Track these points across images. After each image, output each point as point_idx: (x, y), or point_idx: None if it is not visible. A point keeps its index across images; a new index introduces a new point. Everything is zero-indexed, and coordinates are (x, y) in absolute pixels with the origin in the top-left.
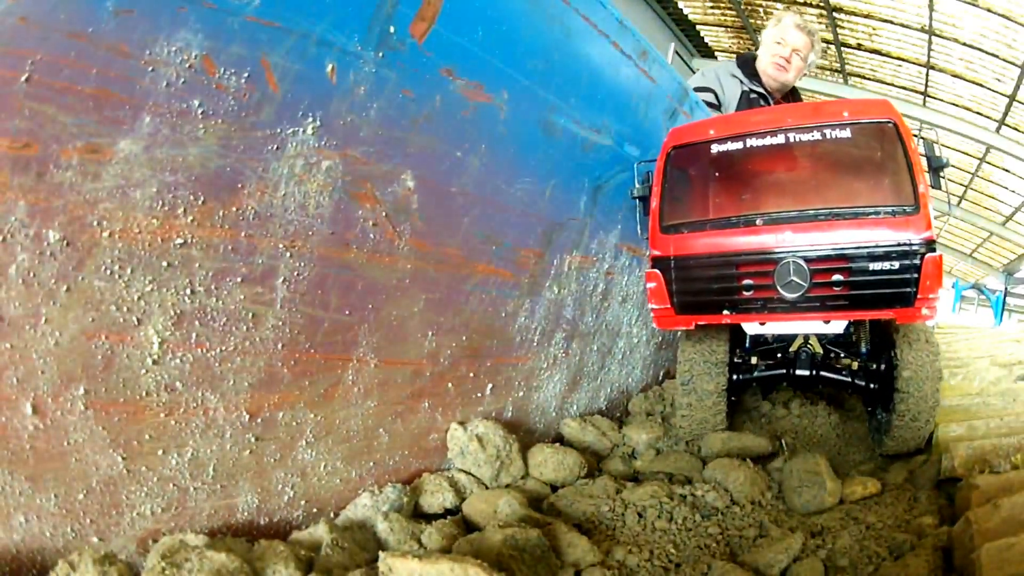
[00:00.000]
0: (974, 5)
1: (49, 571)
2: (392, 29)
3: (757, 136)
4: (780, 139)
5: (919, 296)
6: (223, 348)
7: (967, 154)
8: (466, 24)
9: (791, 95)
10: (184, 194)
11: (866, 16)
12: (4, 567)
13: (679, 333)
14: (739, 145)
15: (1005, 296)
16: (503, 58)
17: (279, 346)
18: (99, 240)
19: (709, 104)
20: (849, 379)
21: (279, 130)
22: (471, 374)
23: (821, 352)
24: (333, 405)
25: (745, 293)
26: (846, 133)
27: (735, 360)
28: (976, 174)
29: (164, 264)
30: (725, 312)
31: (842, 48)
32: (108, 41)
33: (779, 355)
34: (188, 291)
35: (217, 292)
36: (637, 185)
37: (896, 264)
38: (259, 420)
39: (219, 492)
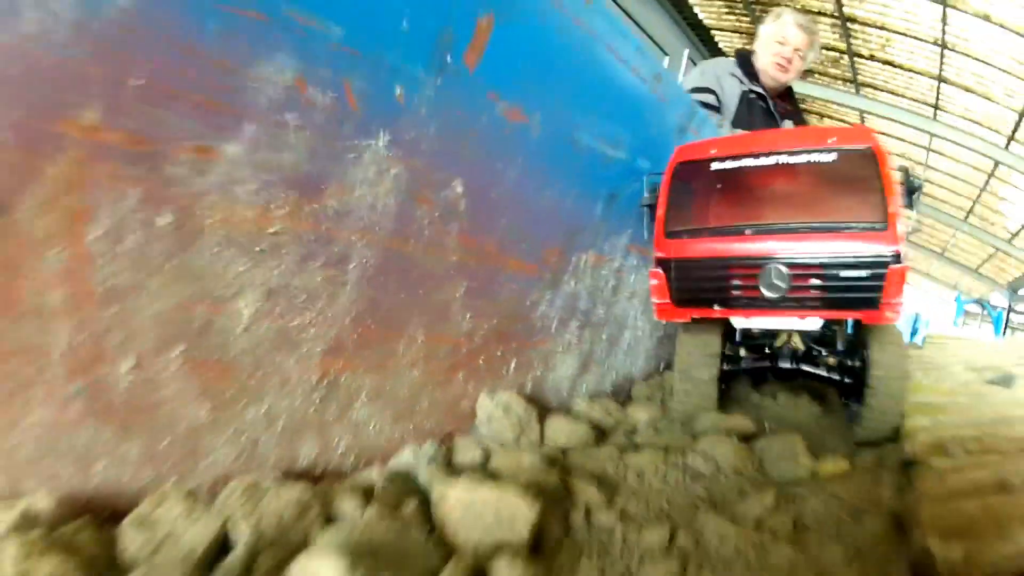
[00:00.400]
0: (987, 20)
1: (123, 516)
2: (449, 58)
3: (752, 157)
4: (772, 160)
5: (883, 301)
6: (301, 320)
7: (976, 168)
8: (508, 54)
9: (787, 93)
10: (278, 191)
11: (880, 27)
12: (77, 511)
13: (678, 328)
14: (736, 164)
15: (1008, 312)
16: (538, 83)
17: (347, 320)
18: (204, 226)
19: (707, 105)
20: (826, 373)
21: (357, 142)
22: (499, 352)
23: (803, 348)
24: (386, 373)
25: (734, 292)
26: (830, 157)
27: (726, 352)
28: (984, 189)
29: (258, 249)
30: (715, 307)
31: (855, 58)
32: (214, 57)
33: (765, 349)
34: (277, 271)
35: (300, 274)
36: (646, 195)
37: (864, 272)
38: (325, 382)
39: (285, 443)
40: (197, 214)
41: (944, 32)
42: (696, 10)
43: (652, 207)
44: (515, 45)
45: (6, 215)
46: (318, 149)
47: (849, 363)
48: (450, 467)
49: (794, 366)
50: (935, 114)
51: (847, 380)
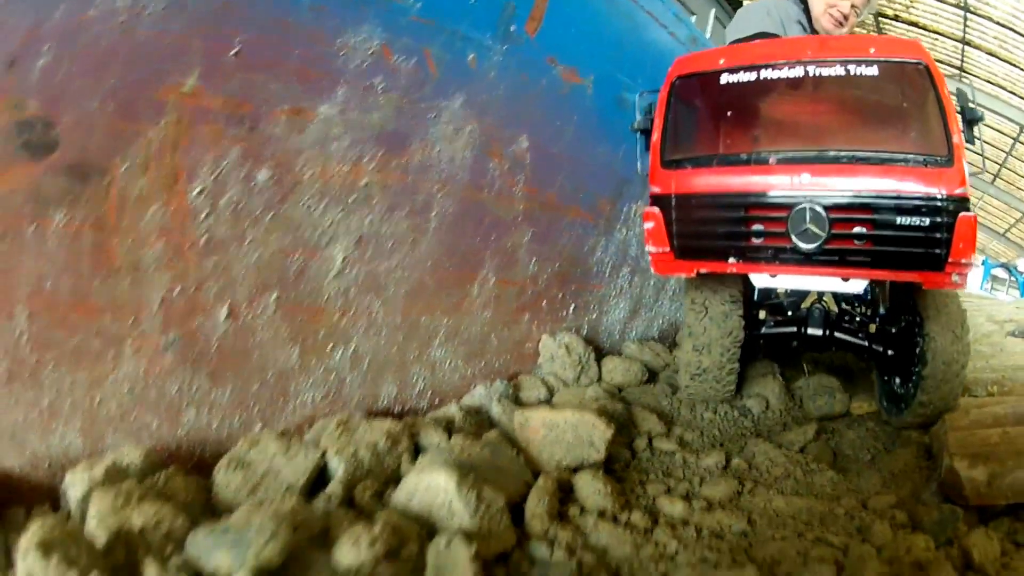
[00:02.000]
0: None
1: (208, 463)
2: (513, 27)
3: (773, 68)
4: (799, 72)
5: (950, 260)
6: (388, 264)
7: (1002, 132)
8: (564, 22)
9: None
10: (368, 147)
11: None
12: (164, 461)
13: (684, 285)
14: (752, 76)
15: None
16: (590, 48)
17: (428, 264)
18: (302, 180)
19: None
20: (866, 343)
21: (436, 103)
22: (560, 295)
23: (836, 311)
24: (460, 314)
25: (754, 240)
26: (872, 71)
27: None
28: (1011, 153)
29: (350, 199)
30: (731, 260)
31: (879, 18)
32: (306, 29)
33: (789, 312)
34: (368, 220)
35: (388, 221)
36: (639, 117)
37: (926, 220)
38: (407, 323)
39: (368, 382)
40: (295, 169)
41: None
42: None
43: (647, 132)
44: (569, 13)
45: (104, 177)
46: (403, 109)
47: (894, 331)
48: (518, 403)
49: (826, 333)
50: (960, 76)
51: (890, 352)
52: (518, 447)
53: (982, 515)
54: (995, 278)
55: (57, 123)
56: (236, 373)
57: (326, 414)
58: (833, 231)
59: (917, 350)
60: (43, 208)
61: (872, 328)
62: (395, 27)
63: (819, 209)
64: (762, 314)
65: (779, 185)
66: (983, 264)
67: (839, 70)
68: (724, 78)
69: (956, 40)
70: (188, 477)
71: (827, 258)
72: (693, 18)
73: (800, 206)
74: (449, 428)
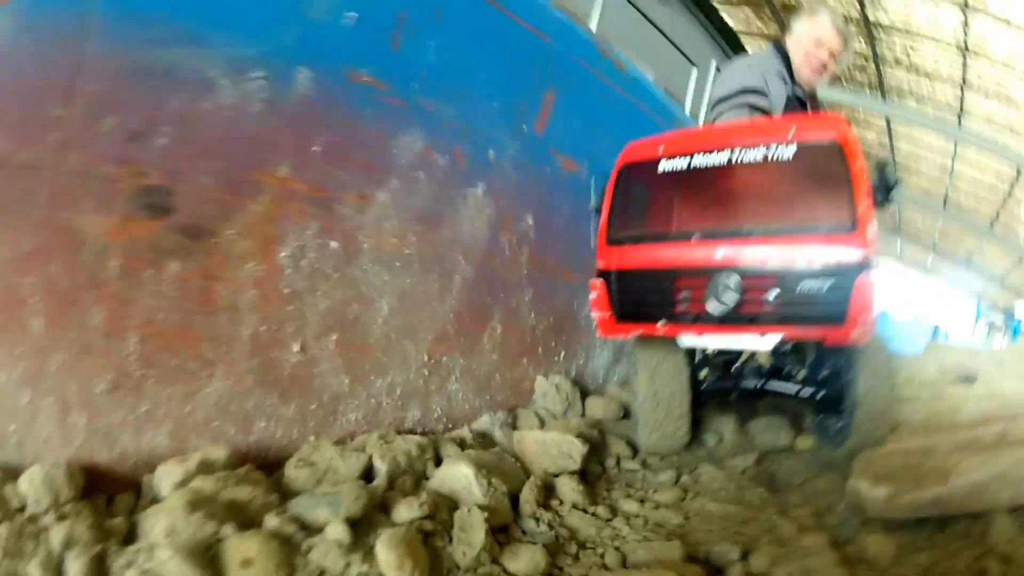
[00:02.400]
0: (1007, 24)
1: (271, 466)
2: (524, 127)
3: (703, 155)
4: (724, 158)
5: (849, 317)
6: (421, 315)
7: (1000, 176)
8: (564, 118)
9: (813, 97)
10: (411, 225)
11: (904, 31)
12: (239, 460)
13: (634, 345)
14: (684, 164)
15: None
16: (585, 138)
17: (451, 315)
18: (362, 248)
19: (757, 108)
20: (796, 389)
21: (463, 190)
22: (553, 343)
23: (768, 365)
24: (473, 355)
25: (680, 306)
26: (789, 152)
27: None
28: (1009, 196)
29: (396, 264)
30: (661, 323)
31: (880, 63)
32: (370, 132)
33: (727, 368)
34: (408, 280)
35: (423, 282)
36: (593, 198)
37: (826, 283)
38: (432, 362)
39: (399, 407)
40: (357, 240)
41: (966, 36)
42: (724, 16)
43: (599, 211)
44: (570, 110)
45: (212, 237)
46: (438, 196)
47: (821, 377)
48: (515, 429)
49: (761, 386)
50: (960, 120)
51: (819, 396)
52: (516, 457)
53: (887, 525)
54: (992, 325)
55: (175, 192)
56: (300, 394)
57: (364, 431)
58: (746, 296)
59: (846, 392)
60: (160, 257)
61: (802, 374)
62: (434, 130)
63: (733, 277)
64: (703, 373)
65: (699, 258)
66: (976, 308)
67: (759, 154)
68: (661, 166)
69: (955, 84)
70: (260, 471)
71: (741, 319)
72: (694, 72)
73: (716, 275)
74: (462, 445)
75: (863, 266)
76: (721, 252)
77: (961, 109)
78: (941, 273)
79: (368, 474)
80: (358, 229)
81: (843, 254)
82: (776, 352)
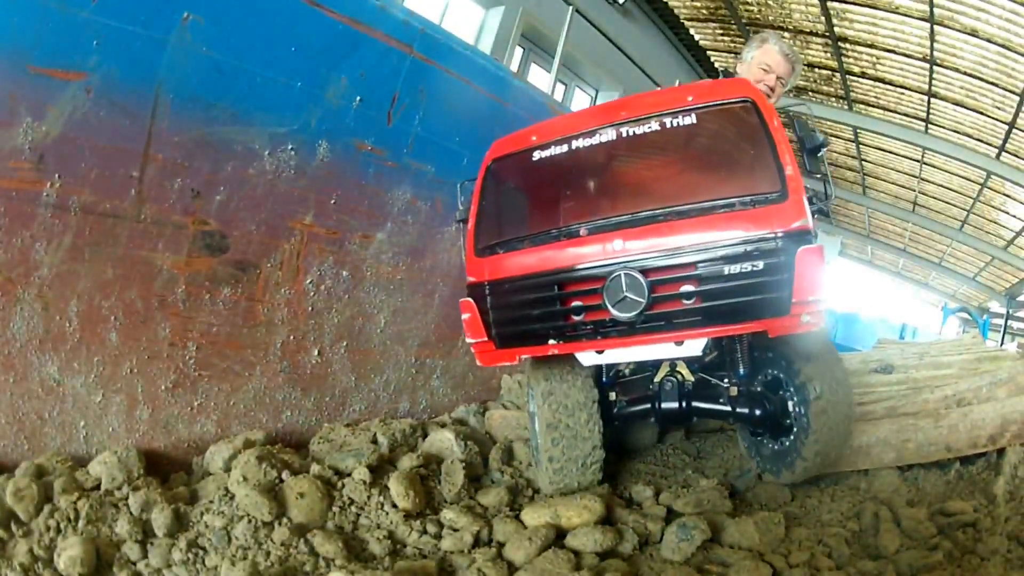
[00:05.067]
0: (974, 35)
1: (296, 446)
2: None
3: (585, 136)
4: (611, 135)
5: (795, 300)
6: (409, 326)
7: (969, 180)
8: None
9: None
10: (403, 257)
11: (870, 45)
12: (272, 440)
13: (526, 368)
14: (563, 148)
15: (1007, 320)
16: None
17: (432, 326)
18: (365, 276)
19: None
20: (729, 408)
21: (442, 229)
22: None
23: (691, 380)
24: (451, 358)
25: (574, 317)
26: (690, 119)
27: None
28: (977, 199)
29: (391, 287)
30: (552, 342)
31: (847, 76)
32: (372, 188)
33: (644, 386)
34: (400, 299)
35: (411, 300)
36: (460, 207)
37: (760, 263)
38: (418, 363)
39: (393, 400)
40: (362, 270)
41: (933, 48)
42: (692, 32)
43: (467, 221)
44: None
45: (256, 269)
46: (423, 234)
47: (759, 389)
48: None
49: (683, 405)
50: (927, 128)
51: (757, 412)
52: (486, 432)
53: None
54: (967, 322)
55: (229, 235)
56: (318, 389)
57: (367, 419)
58: (655, 295)
59: (791, 404)
60: (216, 284)
61: (734, 391)
62: (419, 184)
63: (635, 274)
64: (613, 395)
65: (590, 256)
66: (943, 310)
67: (654, 125)
68: (536, 155)
69: (922, 93)
70: (290, 448)
71: (654, 324)
72: None
73: (614, 274)
74: (444, 427)
75: (803, 236)
76: (617, 245)
77: (927, 119)
78: (913, 275)
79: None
80: (362, 261)
81: (776, 225)
82: (702, 362)
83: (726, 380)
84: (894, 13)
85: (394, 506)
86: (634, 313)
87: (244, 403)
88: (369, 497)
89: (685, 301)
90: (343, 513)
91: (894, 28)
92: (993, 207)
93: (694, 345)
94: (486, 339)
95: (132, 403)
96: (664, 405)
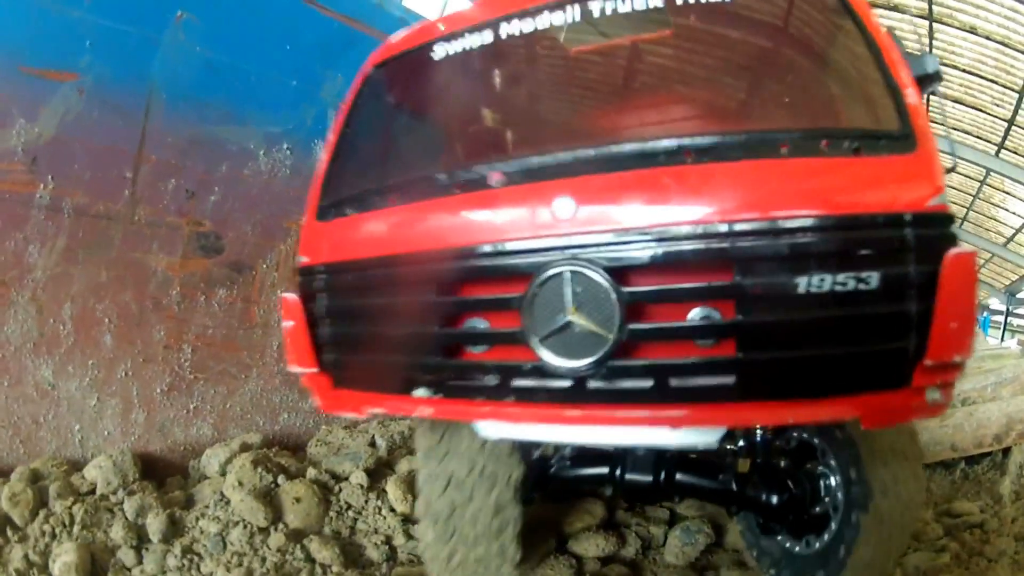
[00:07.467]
0: (973, 32)
1: (293, 448)
2: None
3: (523, 16)
4: (571, 14)
5: (928, 358)
6: None
7: (968, 177)
8: None
9: None
10: None
11: None
12: (269, 443)
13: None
14: (485, 37)
15: (1007, 317)
16: None
17: None
18: None
19: None
20: (733, 489)
21: None
22: None
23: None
24: None
25: (472, 350)
26: None
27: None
28: (977, 196)
29: None
30: (421, 393)
31: None
32: None
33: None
34: None
35: None
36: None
37: (873, 277)
38: None
39: None
40: None
41: (932, 46)
42: None
43: None
44: None
45: (251, 271)
46: None
47: (783, 463)
48: None
49: (659, 479)
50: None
51: (774, 500)
52: None
53: None
54: None
55: (224, 236)
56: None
57: (361, 423)
58: (636, 323)
59: (828, 488)
60: (212, 286)
61: (745, 465)
62: None
63: (594, 274)
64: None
65: (506, 228)
66: None
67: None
68: (439, 50)
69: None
70: (287, 451)
71: (626, 387)
72: None
73: (551, 271)
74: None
75: (945, 225)
76: (562, 208)
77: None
78: None
79: (372, 447)
80: None
81: (901, 198)
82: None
83: (730, 444)
84: (893, 11)
85: (392, 510)
86: (586, 362)
87: (240, 406)
88: (367, 501)
89: (700, 342)
90: (340, 518)
91: (893, 26)
92: (992, 204)
93: (706, 434)
94: (315, 370)
95: (127, 406)
96: (630, 476)
